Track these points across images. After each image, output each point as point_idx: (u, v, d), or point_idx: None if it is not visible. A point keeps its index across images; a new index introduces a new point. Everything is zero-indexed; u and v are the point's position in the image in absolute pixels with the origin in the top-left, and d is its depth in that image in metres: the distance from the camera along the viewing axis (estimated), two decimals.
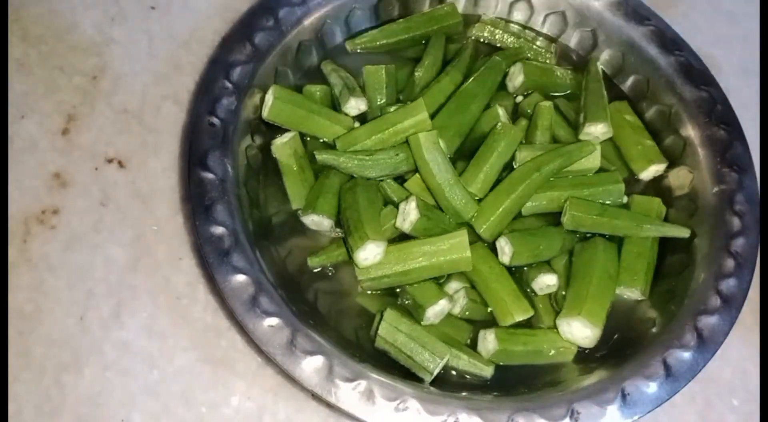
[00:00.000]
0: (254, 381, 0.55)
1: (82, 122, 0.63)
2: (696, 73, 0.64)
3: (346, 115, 0.61)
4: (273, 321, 0.50)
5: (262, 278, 0.51)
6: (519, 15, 0.70)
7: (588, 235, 0.60)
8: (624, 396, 0.50)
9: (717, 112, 0.62)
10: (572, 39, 0.69)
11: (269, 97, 0.59)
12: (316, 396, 0.49)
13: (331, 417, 0.55)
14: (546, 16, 0.69)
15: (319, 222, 0.57)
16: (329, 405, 0.53)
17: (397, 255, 0.55)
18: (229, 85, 0.57)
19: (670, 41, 0.65)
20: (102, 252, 0.58)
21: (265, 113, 0.59)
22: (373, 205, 0.56)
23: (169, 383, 0.55)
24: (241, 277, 0.51)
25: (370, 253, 0.54)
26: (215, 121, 0.56)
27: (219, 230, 0.52)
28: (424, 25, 0.67)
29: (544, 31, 0.70)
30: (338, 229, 0.57)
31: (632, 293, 0.58)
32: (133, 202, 0.60)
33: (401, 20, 0.67)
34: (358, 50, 0.66)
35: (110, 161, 0.62)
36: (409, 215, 0.56)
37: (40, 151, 0.61)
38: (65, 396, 0.53)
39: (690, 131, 0.63)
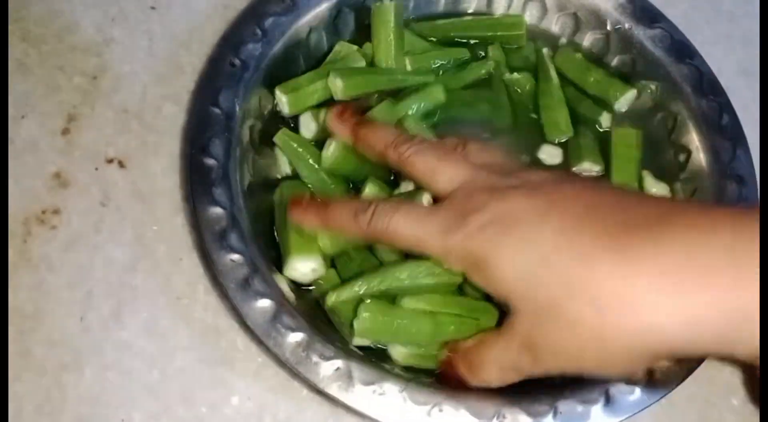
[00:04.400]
0: (254, 381, 0.55)
1: (82, 122, 0.63)
2: (705, 81, 0.64)
3: None
4: (264, 302, 0.50)
5: (257, 259, 0.52)
6: (531, 15, 0.69)
7: None
8: (608, 397, 0.50)
9: (723, 121, 0.63)
10: (584, 41, 0.69)
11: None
12: (315, 393, 0.49)
13: (331, 418, 0.55)
14: (558, 17, 0.69)
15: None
16: (330, 405, 0.53)
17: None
18: (238, 61, 0.58)
19: (681, 48, 0.65)
20: (102, 252, 0.58)
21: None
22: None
23: (169, 383, 0.55)
24: (234, 256, 0.51)
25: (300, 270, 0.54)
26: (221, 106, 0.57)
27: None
28: (486, 28, 0.67)
29: (556, 31, 0.70)
30: None
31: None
32: (133, 202, 0.60)
33: (467, 17, 0.68)
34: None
35: (110, 161, 0.62)
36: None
37: (40, 151, 0.61)
38: (66, 396, 0.53)
39: (694, 139, 0.63)
